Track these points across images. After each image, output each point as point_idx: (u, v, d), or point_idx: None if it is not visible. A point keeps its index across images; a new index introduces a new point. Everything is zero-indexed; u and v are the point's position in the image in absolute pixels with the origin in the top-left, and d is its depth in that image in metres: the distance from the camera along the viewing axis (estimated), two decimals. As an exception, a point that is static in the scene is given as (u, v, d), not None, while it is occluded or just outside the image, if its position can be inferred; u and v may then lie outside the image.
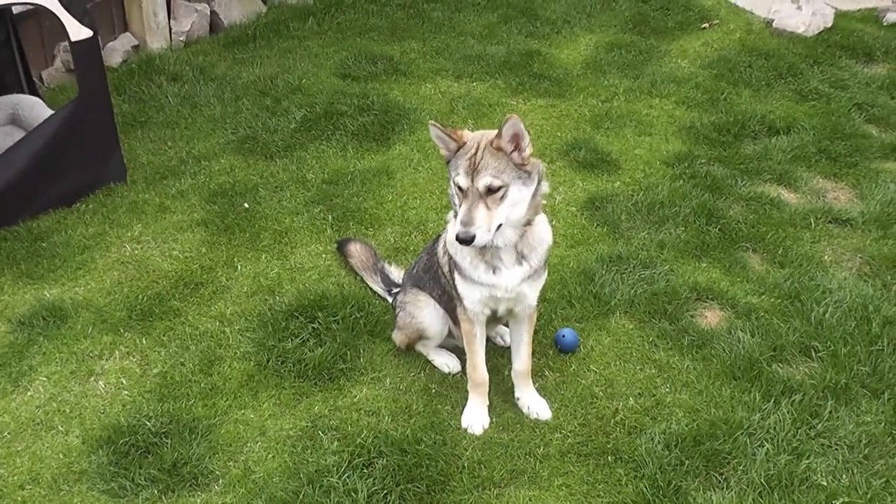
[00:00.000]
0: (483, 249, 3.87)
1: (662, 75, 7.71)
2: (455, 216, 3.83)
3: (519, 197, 3.72)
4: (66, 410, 4.35)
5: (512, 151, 3.67)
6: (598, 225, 5.70)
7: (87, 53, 5.63)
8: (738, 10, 9.08)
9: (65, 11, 5.45)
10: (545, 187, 3.92)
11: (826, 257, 5.48)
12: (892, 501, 3.88)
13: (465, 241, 3.63)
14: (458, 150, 3.74)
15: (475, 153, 3.65)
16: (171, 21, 7.95)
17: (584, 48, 8.26)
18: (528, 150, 3.71)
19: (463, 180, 3.66)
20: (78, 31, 5.53)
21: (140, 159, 6.34)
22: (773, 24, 8.61)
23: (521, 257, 3.93)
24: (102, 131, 5.90)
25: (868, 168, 6.46)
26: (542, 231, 4.00)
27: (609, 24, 8.73)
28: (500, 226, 3.71)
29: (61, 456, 4.11)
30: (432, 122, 3.79)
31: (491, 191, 3.63)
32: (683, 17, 8.86)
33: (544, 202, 3.98)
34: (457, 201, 3.75)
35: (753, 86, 7.62)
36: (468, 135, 3.77)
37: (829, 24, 8.60)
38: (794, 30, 8.47)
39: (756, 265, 5.41)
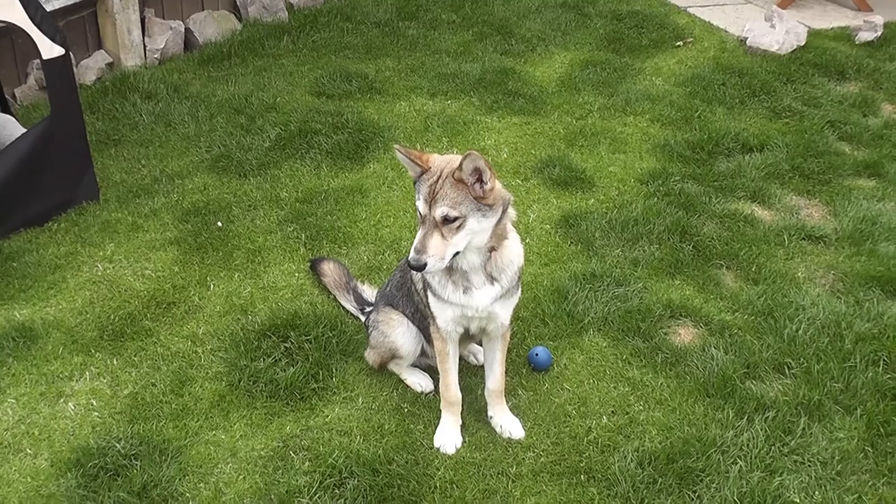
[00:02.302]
0: (450, 270, 3.87)
1: (637, 93, 7.74)
2: None
3: (478, 227, 3.70)
4: (35, 433, 4.29)
5: (474, 183, 3.64)
6: (571, 243, 5.71)
7: (59, 71, 5.60)
8: (712, 28, 9.15)
9: (36, 29, 5.42)
10: (512, 215, 3.92)
11: (799, 274, 5.51)
12: (864, 518, 3.89)
13: (416, 268, 3.65)
14: (422, 173, 3.72)
15: (436, 181, 3.63)
16: (146, 38, 7.92)
17: (558, 66, 8.29)
18: (491, 184, 3.67)
19: (422, 207, 3.66)
20: (50, 49, 5.50)
21: (113, 178, 6.29)
22: (747, 43, 8.67)
23: (491, 278, 3.93)
24: (75, 150, 5.85)
25: (841, 185, 6.50)
26: (513, 252, 3.98)
27: (584, 42, 8.77)
28: (456, 253, 3.70)
29: (29, 479, 4.05)
30: (397, 146, 3.78)
31: (447, 221, 3.62)
32: (658, 36, 8.92)
33: (511, 222, 3.98)
34: None
35: (727, 103, 7.67)
36: (435, 160, 3.75)
37: (803, 43, 8.67)
38: (767, 48, 8.52)
39: (730, 282, 5.42)
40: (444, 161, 3.73)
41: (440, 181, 3.63)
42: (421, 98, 7.58)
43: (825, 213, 6.20)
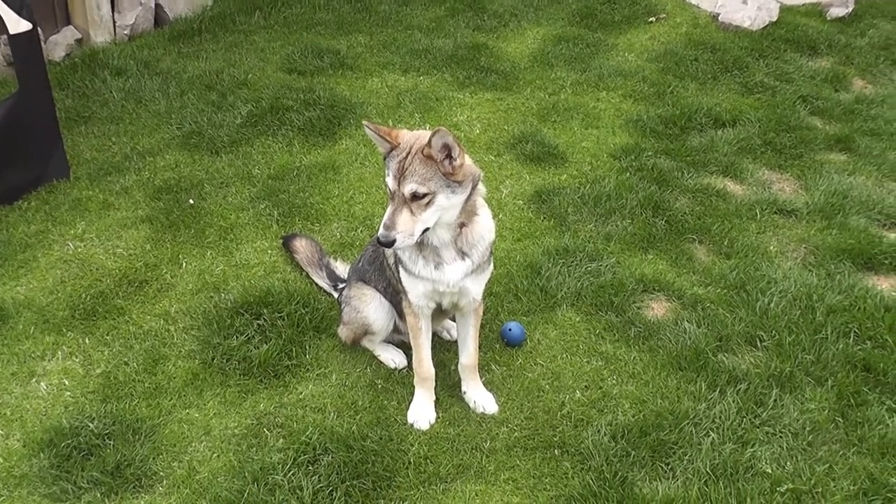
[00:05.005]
0: (421, 246, 3.88)
1: (609, 68, 7.74)
2: None
3: (447, 203, 3.71)
4: (7, 413, 4.27)
5: (443, 160, 3.65)
6: (544, 218, 5.71)
7: (26, 47, 5.52)
8: (684, 4, 9.14)
9: (2, 3, 5.34)
10: (482, 191, 3.93)
11: (771, 248, 5.54)
12: (835, 487, 3.92)
13: (385, 244, 3.66)
14: (391, 149, 3.73)
15: (405, 157, 3.64)
16: (115, 14, 7.83)
17: (531, 41, 8.27)
18: (460, 160, 3.68)
19: (391, 183, 3.66)
20: (16, 24, 5.42)
21: (83, 155, 6.24)
22: (719, 18, 8.68)
23: (461, 254, 3.93)
24: (44, 127, 5.79)
25: (812, 159, 6.54)
26: (483, 228, 3.99)
27: (556, 18, 8.75)
28: (426, 229, 3.71)
29: (1, 460, 4.03)
30: (366, 122, 3.77)
31: (416, 197, 3.62)
32: (630, 11, 8.90)
33: (482, 197, 3.98)
34: None
35: (700, 79, 7.68)
36: (404, 135, 3.76)
37: (775, 19, 8.69)
38: (739, 24, 8.54)
39: (702, 256, 5.45)
40: (413, 137, 3.73)
41: (409, 157, 3.63)
42: (393, 74, 7.54)
43: (797, 188, 6.23)
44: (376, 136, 3.74)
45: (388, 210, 3.66)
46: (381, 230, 3.64)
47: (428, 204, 3.65)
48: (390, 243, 3.64)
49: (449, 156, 3.64)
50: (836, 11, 9.01)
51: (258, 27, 8.26)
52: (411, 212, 3.63)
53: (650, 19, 8.78)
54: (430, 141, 3.59)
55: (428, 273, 3.94)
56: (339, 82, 7.33)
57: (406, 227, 3.63)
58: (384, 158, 3.77)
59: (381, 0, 8.89)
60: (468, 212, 3.86)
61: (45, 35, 7.31)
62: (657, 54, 8.08)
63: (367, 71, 7.57)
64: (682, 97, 7.32)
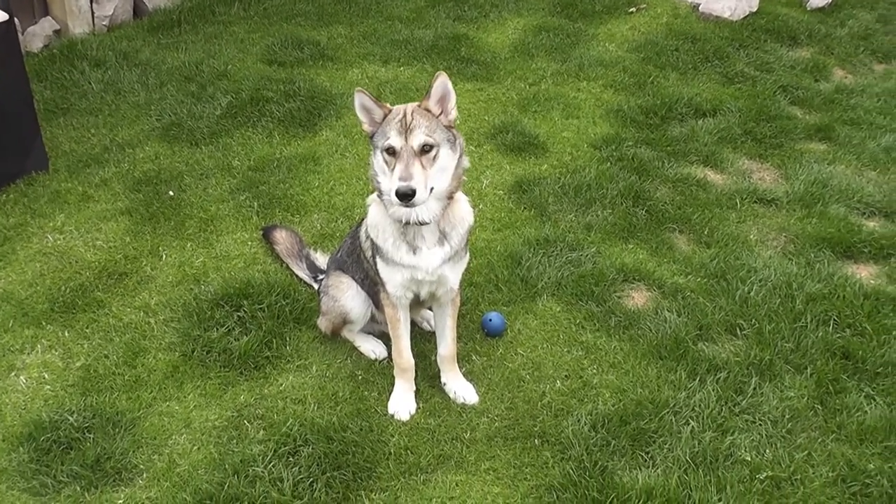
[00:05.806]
0: (406, 228, 3.88)
1: (590, 59, 7.75)
2: (379, 195, 3.86)
3: (447, 162, 3.75)
4: (-14, 407, 4.25)
5: (439, 115, 3.74)
6: (525, 208, 5.71)
7: (2, 38, 5.48)
8: (664, -6, 9.17)
9: (-22, -5, 5.33)
10: (466, 161, 3.96)
11: (751, 237, 5.56)
12: (813, 473, 3.95)
13: (407, 194, 3.57)
14: (383, 118, 3.76)
15: (404, 116, 3.68)
16: (94, 5, 7.79)
17: (511, 32, 8.27)
18: (454, 113, 3.78)
19: (396, 141, 3.66)
20: (-8, 15, 5.40)
21: (62, 147, 6.21)
22: (700, 9, 8.70)
23: (442, 236, 3.94)
24: (22, 119, 5.76)
25: (792, 149, 6.57)
26: (463, 209, 4.02)
27: (537, 8, 8.76)
28: (432, 189, 3.71)
29: (-20, 454, 4.02)
30: (360, 89, 3.78)
31: (424, 150, 3.65)
32: (611, 2, 8.93)
33: (465, 178, 4.01)
34: (384, 172, 3.76)
35: (680, 69, 7.70)
36: (393, 106, 3.82)
37: (755, 9, 8.73)
38: (720, 14, 8.57)
39: (683, 246, 5.46)
40: (401, 105, 3.79)
41: (409, 115, 3.68)
42: (373, 65, 7.53)
43: (777, 177, 6.26)
44: (371, 103, 3.78)
45: (399, 166, 3.63)
46: (398, 183, 3.58)
47: (434, 158, 3.69)
48: (411, 193, 3.56)
49: (443, 110, 3.76)
50: (817, 2, 9.06)
51: (238, 18, 8.24)
52: (422, 165, 3.64)
53: (630, 10, 8.79)
54: (429, 91, 3.71)
55: (409, 259, 3.93)
56: (320, 73, 7.31)
57: (421, 178, 3.61)
58: (371, 136, 3.81)
59: (361, -9, 8.88)
60: (457, 178, 3.88)
61: (22, 26, 7.27)
62: (638, 44, 8.10)
63: (348, 62, 7.55)
64: (662, 87, 7.33)
